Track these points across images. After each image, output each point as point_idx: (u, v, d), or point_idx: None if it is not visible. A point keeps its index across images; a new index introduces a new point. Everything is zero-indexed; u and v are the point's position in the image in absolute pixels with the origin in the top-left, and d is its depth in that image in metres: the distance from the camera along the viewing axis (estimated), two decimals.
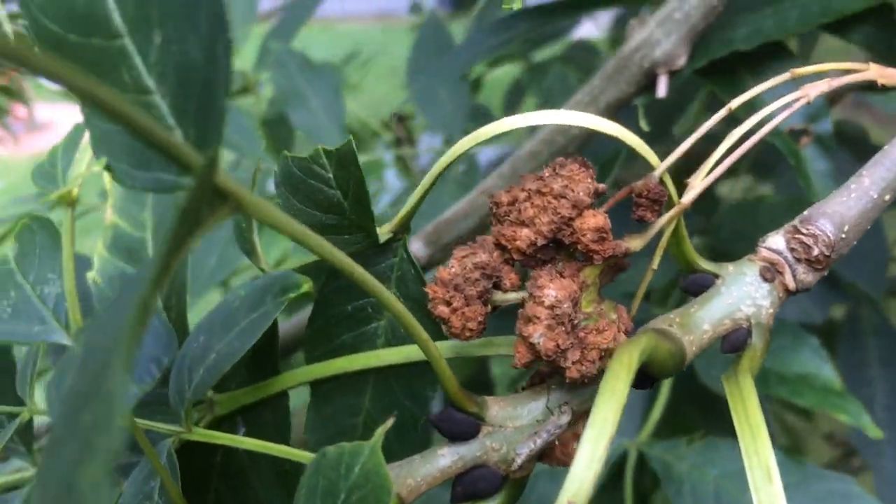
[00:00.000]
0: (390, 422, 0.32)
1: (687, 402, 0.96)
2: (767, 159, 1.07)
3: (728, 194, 1.15)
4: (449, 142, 1.26)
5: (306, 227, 0.27)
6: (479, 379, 1.19)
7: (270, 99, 1.47)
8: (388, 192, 1.51)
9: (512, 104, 1.66)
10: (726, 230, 0.93)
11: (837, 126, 0.66)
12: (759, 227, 0.93)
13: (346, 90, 1.50)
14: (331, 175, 0.41)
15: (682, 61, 0.62)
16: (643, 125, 0.64)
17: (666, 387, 0.84)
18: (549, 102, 1.21)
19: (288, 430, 0.49)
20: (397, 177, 1.54)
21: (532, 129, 0.79)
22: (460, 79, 1.18)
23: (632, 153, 0.39)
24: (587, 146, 0.71)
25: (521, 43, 0.71)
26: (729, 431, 0.93)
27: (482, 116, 1.54)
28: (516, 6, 0.47)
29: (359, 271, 0.30)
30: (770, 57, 0.65)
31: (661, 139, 0.66)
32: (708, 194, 0.38)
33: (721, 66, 0.64)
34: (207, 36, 0.22)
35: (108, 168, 0.26)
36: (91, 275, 0.52)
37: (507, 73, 1.81)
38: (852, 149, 0.99)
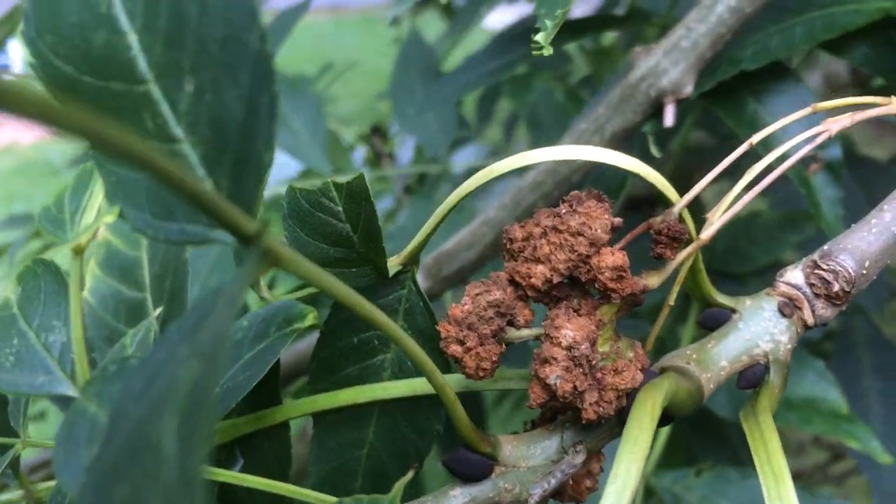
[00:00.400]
0: (410, 475, 0.31)
1: (689, 427, 0.95)
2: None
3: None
4: (432, 158, 1.24)
5: (334, 279, 0.26)
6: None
7: None
8: None
9: (486, 109, 1.64)
10: (721, 246, 0.93)
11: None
12: (754, 243, 0.93)
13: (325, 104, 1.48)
14: (340, 208, 0.40)
15: (689, 89, 0.62)
16: (654, 151, 0.63)
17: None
18: (536, 122, 1.19)
19: (289, 462, 0.48)
20: (377, 194, 1.52)
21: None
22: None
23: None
24: (591, 174, 0.71)
25: (521, 66, 0.69)
26: (734, 458, 0.93)
27: (460, 126, 1.52)
28: (546, 52, 0.46)
29: (381, 317, 0.29)
30: (771, 78, 0.64)
31: (655, 160, 0.65)
32: (697, 212, 0.37)
33: (723, 90, 0.63)
34: (249, 88, 0.21)
35: (123, 216, 0.25)
36: (83, 294, 0.51)
37: None
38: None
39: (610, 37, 1.43)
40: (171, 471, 0.17)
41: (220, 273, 0.93)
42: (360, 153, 1.72)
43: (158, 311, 0.47)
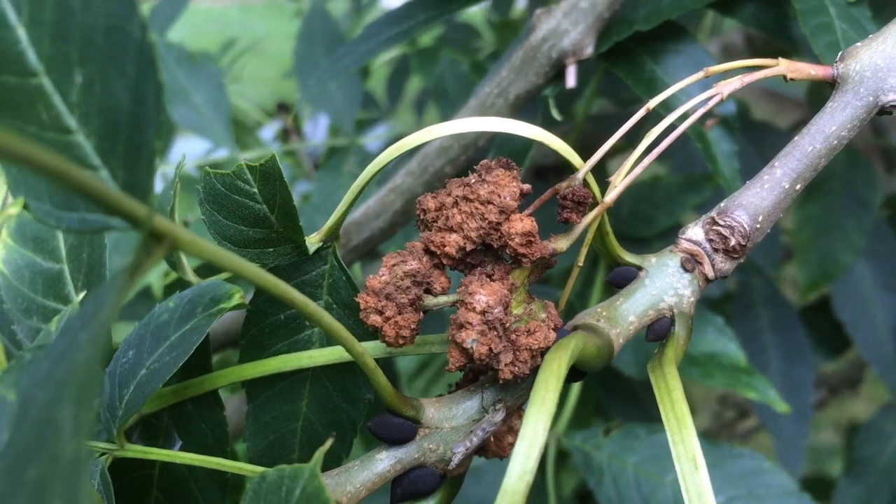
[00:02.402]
0: (329, 443, 0.33)
1: (599, 386, 0.98)
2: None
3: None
4: (340, 133, 1.24)
5: (243, 260, 0.27)
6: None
7: None
8: None
9: (395, 89, 1.64)
10: (625, 210, 0.95)
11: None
12: (657, 207, 0.96)
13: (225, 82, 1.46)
14: (255, 190, 0.41)
15: (589, 50, 0.63)
16: (555, 115, 0.64)
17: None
18: (442, 92, 1.20)
19: (226, 438, 0.49)
20: (285, 164, 1.52)
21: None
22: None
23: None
24: (497, 137, 0.71)
25: (419, 32, 0.69)
26: (642, 416, 0.96)
27: (365, 100, 1.51)
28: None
29: (283, 287, 0.30)
30: (667, 39, 0.66)
31: (560, 124, 0.66)
32: (601, 176, 0.39)
33: (621, 51, 0.65)
34: (135, 77, 0.22)
35: (27, 208, 0.26)
36: None
37: (386, 55, 1.79)
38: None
39: (518, 10, 1.45)
40: (69, 452, 0.18)
41: (119, 253, 0.92)
42: (269, 132, 1.71)
43: (82, 295, 0.47)
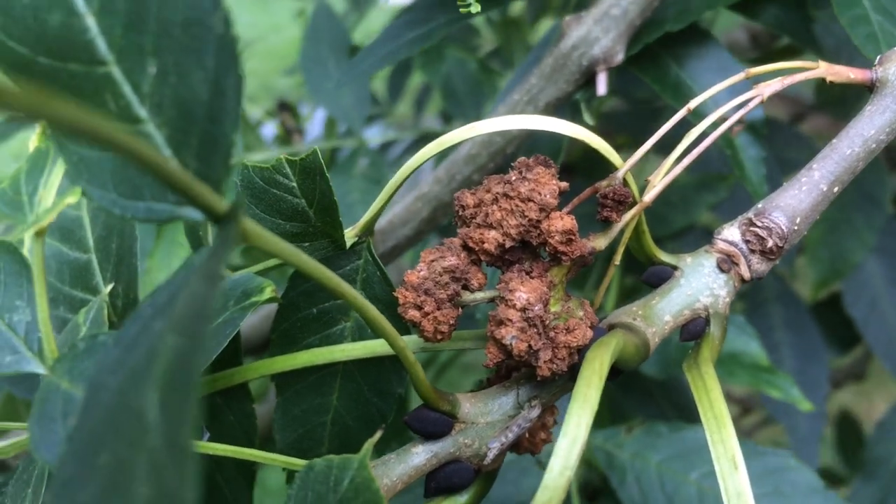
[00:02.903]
0: (378, 435, 0.33)
1: (615, 387, 0.98)
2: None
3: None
4: (349, 133, 1.23)
5: (299, 251, 0.27)
6: None
7: None
8: None
9: (397, 85, 1.62)
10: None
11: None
12: (672, 207, 0.96)
13: None
14: (294, 184, 0.41)
15: (620, 57, 0.63)
16: (588, 119, 0.64)
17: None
18: (451, 92, 1.19)
19: (255, 431, 0.49)
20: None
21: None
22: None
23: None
24: (525, 144, 0.71)
25: (441, 35, 0.68)
26: (659, 416, 0.96)
27: (371, 102, 1.50)
28: (474, 10, 0.47)
29: (344, 286, 0.30)
30: (691, 43, 0.66)
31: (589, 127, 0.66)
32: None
33: (647, 55, 0.65)
34: (215, 70, 0.22)
35: (86, 195, 0.26)
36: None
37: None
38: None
39: (517, 7, 1.44)
40: (155, 438, 0.18)
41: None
42: (269, 130, 1.69)
43: (110, 287, 0.47)
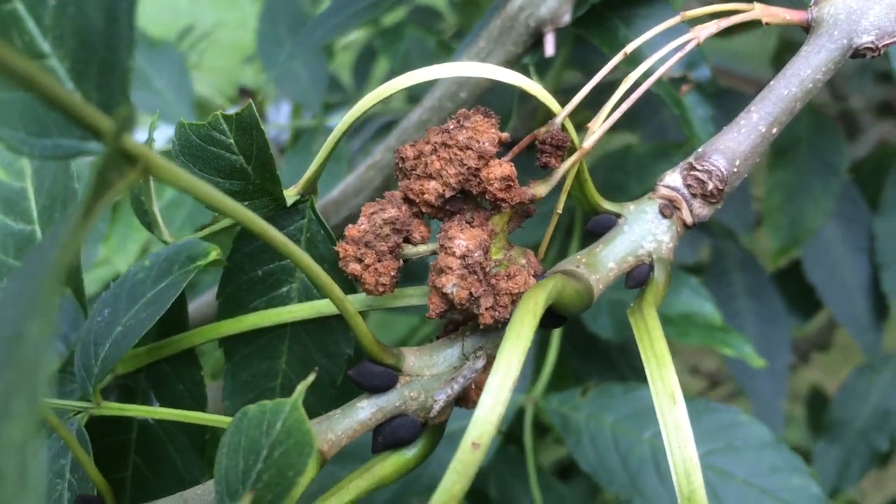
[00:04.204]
0: (311, 377, 0.32)
1: (575, 353, 0.98)
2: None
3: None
4: (307, 114, 1.21)
5: (220, 193, 0.26)
6: None
7: None
8: None
9: (363, 71, 1.61)
10: (598, 180, 0.95)
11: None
12: (628, 175, 0.96)
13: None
14: (232, 140, 0.40)
15: (567, 17, 0.63)
16: (536, 81, 0.64)
17: (556, 338, 0.85)
18: (408, 67, 1.19)
19: (204, 399, 0.49)
20: None
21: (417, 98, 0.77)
22: (315, 47, 1.14)
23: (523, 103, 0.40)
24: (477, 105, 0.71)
25: (388, 8, 0.68)
26: (623, 379, 0.97)
27: (331, 85, 1.50)
28: None
29: (272, 232, 0.30)
30: (639, 3, 0.66)
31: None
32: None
33: (594, 17, 0.64)
34: None
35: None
36: None
37: (350, 38, 1.77)
38: None
39: None
40: (30, 357, 0.18)
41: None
42: None
43: None
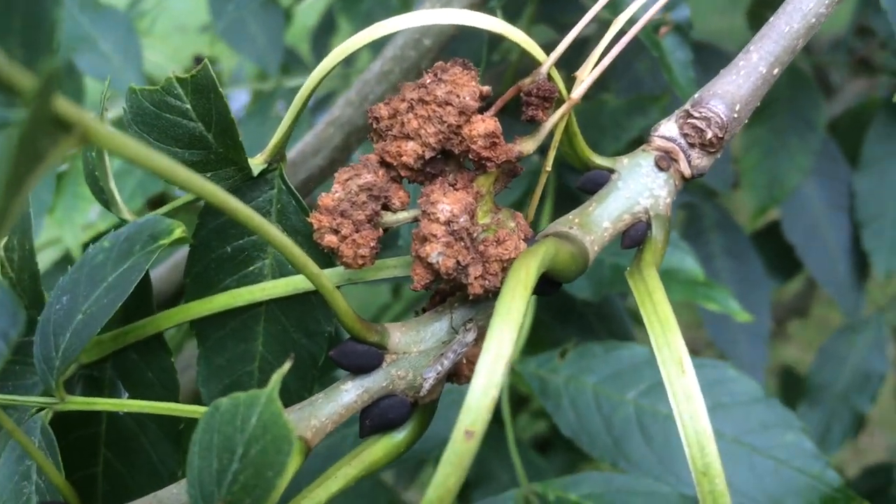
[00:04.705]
0: (287, 366, 0.29)
1: (550, 317, 0.95)
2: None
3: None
4: (265, 77, 1.17)
5: (170, 158, 0.23)
6: None
7: None
8: None
9: (321, 45, 1.55)
10: None
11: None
12: (603, 131, 0.93)
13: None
14: (188, 106, 0.37)
15: None
16: None
17: (531, 301, 0.81)
18: (371, 24, 1.14)
19: (175, 386, 0.46)
20: None
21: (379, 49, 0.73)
22: (271, 7, 1.09)
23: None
24: (442, 58, 0.67)
25: None
26: (598, 339, 0.94)
27: (291, 59, 1.45)
28: None
29: (234, 204, 0.27)
30: None
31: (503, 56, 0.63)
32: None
33: None
34: None
35: None
36: None
37: (306, 15, 1.71)
38: None
39: None
40: None
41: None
42: None
43: (4, 240, 0.43)
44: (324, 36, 1.56)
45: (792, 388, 1.54)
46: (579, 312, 0.96)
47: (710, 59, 1.09)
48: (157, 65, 1.58)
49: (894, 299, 1.27)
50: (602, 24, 0.60)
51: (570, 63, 0.41)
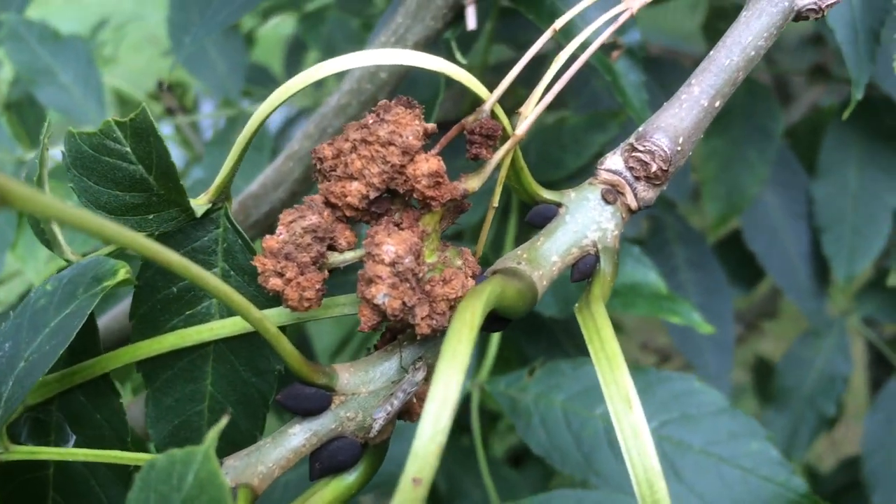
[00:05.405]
0: (224, 421, 0.29)
1: (519, 334, 0.96)
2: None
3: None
4: (230, 104, 1.16)
5: (96, 213, 0.23)
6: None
7: (11, 80, 1.26)
8: None
9: (294, 61, 1.56)
10: (533, 155, 0.92)
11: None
12: (564, 149, 0.93)
13: (100, 63, 1.35)
14: (128, 149, 0.36)
15: None
16: (460, 58, 0.61)
17: None
18: (331, 51, 1.14)
19: (125, 428, 0.45)
20: (179, 149, 1.43)
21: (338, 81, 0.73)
22: (231, 33, 1.09)
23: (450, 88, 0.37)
24: (397, 91, 0.67)
25: None
26: (566, 356, 0.94)
27: (262, 76, 1.44)
28: None
29: (166, 256, 0.26)
30: None
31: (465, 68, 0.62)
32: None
33: None
34: None
35: None
36: None
37: (281, 26, 1.70)
38: None
39: None
40: None
41: None
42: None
43: None
44: (296, 52, 1.55)
45: (767, 381, 1.56)
46: (548, 329, 0.96)
47: (668, 74, 1.10)
48: (124, 90, 1.56)
49: (857, 302, 1.28)
50: (559, 45, 0.60)
51: (529, 80, 0.41)
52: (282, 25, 1.67)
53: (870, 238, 1.18)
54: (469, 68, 0.39)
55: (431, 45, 0.62)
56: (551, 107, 1.12)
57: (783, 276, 1.23)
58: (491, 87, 0.37)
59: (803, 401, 1.20)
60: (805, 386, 1.21)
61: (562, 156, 0.90)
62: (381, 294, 0.33)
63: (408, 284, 0.34)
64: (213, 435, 0.27)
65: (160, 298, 0.42)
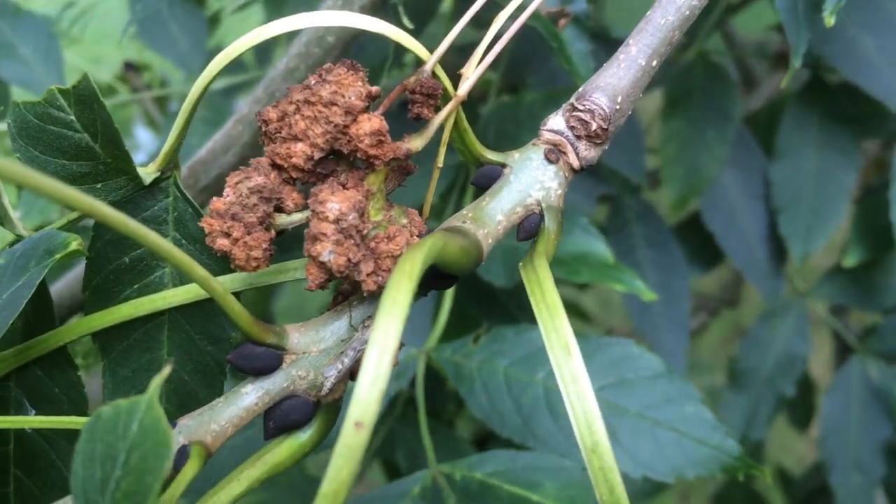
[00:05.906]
0: (167, 370, 0.29)
1: (473, 302, 0.96)
2: (518, 59, 1.06)
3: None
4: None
5: (51, 177, 0.23)
6: None
7: None
8: (142, 150, 1.40)
9: (265, 50, 1.57)
10: (491, 133, 0.93)
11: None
12: (521, 125, 0.94)
13: (66, 44, 1.33)
14: (72, 117, 0.36)
15: None
16: (406, 23, 0.61)
17: (451, 290, 0.82)
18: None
19: (84, 401, 0.45)
20: (147, 131, 1.43)
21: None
22: (193, 11, 1.09)
23: (397, 55, 0.37)
24: (347, 55, 0.67)
25: None
26: (512, 319, 0.95)
27: (235, 66, 1.44)
28: None
29: (118, 218, 0.27)
30: None
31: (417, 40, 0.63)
32: (468, 104, 0.37)
33: None
34: None
35: None
36: None
37: (252, 15, 1.71)
38: None
39: None
40: None
41: None
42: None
43: None
44: (266, 42, 1.54)
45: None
46: (501, 302, 0.97)
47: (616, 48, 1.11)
48: (103, 65, 1.55)
49: (817, 284, 1.30)
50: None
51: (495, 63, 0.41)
52: (253, 14, 1.67)
53: (826, 218, 1.20)
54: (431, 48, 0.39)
55: (380, 9, 0.63)
56: (512, 89, 1.12)
57: (741, 256, 1.25)
58: (454, 68, 0.38)
59: (762, 382, 1.22)
60: (764, 367, 1.23)
61: (518, 132, 0.91)
62: (326, 251, 0.34)
63: (352, 241, 0.34)
64: (156, 382, 0.27)
65: (112, 269, 0.43)
